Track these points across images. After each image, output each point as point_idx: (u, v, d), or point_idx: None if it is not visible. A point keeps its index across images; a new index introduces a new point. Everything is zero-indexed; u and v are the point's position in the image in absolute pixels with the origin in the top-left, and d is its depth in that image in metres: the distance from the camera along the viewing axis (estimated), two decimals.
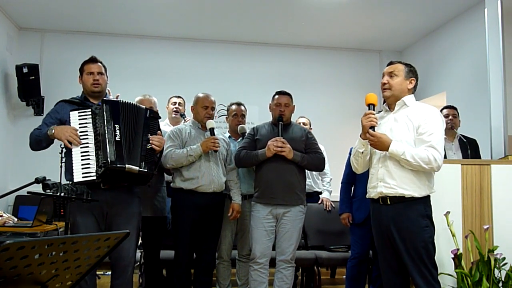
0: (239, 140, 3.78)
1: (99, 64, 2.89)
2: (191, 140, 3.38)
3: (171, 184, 3.47)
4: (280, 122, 3.34)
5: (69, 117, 2.70)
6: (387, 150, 2.48)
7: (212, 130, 3.36)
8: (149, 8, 5.47)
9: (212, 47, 6.48)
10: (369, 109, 2.61)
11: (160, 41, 6.38)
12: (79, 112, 2.71)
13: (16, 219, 4.20)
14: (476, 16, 5.09)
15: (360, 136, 2.63)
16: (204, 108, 3.43)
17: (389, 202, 2.52)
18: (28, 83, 5.63)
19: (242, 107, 3.85)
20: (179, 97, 4.36)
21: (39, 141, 2.74)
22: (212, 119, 3.45)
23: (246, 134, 3.59)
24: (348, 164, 3.80)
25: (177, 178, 3.36)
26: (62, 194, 2.51)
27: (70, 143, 2.63)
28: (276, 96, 3.46)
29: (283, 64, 6.60)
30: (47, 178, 2.51)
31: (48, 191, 2.49)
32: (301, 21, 5.82)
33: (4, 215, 4.04)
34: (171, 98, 4.37)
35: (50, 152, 3.55)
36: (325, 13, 5.54)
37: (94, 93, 2.86)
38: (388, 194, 2.52)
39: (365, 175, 3.61)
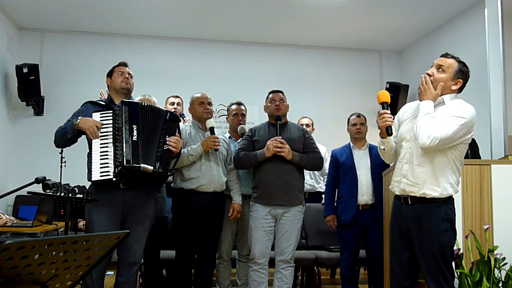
0: (239, 140, 3.78)
1: (128, 68, 3.04)
2: (191, 140, 3.38)
3: (172, 184, 3.47)
4: (278, 122, 3.35)
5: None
6: (428, 99, 2.36)
7: (212, 130, 3.38)
8: (149, 8, 5.47)
9: (211, 47, 6.48)
10: (382, 108, 2.49)
11: (160, 41, 6.38)
12: (101, 114, 2.79)
13: (15, 220, 4.19)
14: (476, 16, 5.09)
15: (380, 135, 2.54)
16: (201, 105, 3.45)
17: (410, 202, 2.45)
18: (28, 83, 5.64)
19: (243, 107, 3.85)
20: (177, 96, 4.35)
21: (65, 133, 2.80)
22: (211, 117, 3.47)
23: (244, 136, 3.59)
24: (331, 167, 3.82)
25: (178, 178, 3.36)
26: (62, 194, 2.52)
27: (91, 134, 2.72)
28: (270, 95, 3.49)
29: (283, 64, 6.60)
30: (47, 178, 2.51)
31: (48, 191, 2.50)
32: (301, 21, 5.82)
33: (3, 216, 4.03)
34: (168, 98, 4.36)
35: (50, 152, 3.57)
36: (325, 13, 5.54)
37: (123, 89, 2.95)
38: (409, 193, 2.44)
39: (349, 176, 3.67)
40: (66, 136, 2.81)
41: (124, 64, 3.04)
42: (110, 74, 3.03)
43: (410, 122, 2.50)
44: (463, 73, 2.46)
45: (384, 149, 2.58)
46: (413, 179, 2.42)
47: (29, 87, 5.67)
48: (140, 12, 5.59)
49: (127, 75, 2.98)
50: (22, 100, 5.77)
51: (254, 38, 6.45)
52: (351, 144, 3.84)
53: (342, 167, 3.76)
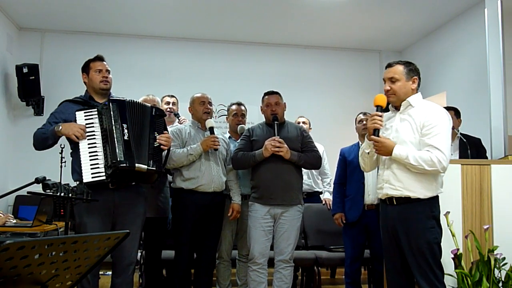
0: (239, 140, 3.78)
1: (105, 62, 2.91)
2: (191, 140, 3.38)
3: (171, 184, 3.47)
4: (275, 122, 3.34)
5: (75, 117, 2.71)
6: (391, 155, 2.46)
7: (211, 129, 3.38)
8: (149, 8, 5.47)
9: (212, 47, 6.48)
10: (376, 110, 2.55)
11: (160, 41, 6.38)
12: (85, 112, 2.71)
13: (14, 220, 4.19)
14: (476, 16, 5.09)
15: (366, 137, 2.60)
16: (201, 104, 3.45)
17: (395, 203, 2.51)
18: (28, 83, 5.63)
19: (242, 107, 3.85)
20: (172, 96, 4.33)
21: (45, 139, 2.73)
22: (211, 117, 3.47)
23: (242, 136, 3.59)
24: (340, 165, 3.84)
25: (177, 178, 3.36)
26: (62, 194, 2.51)
27: (77, 138, 2.64)
28: (265, 97, 3.47)
29: (283, 64, 6.60)
30: (47, 178, 2.51)
31: (48, 191, 2.49)
32: (301, 21, 5.82)
33: (1, 214, 4.03)
34: (164, 97, 4.32)
35: (50, 152, 3.55)
36: (325, 13, 5.54)
37: (103, 90, 2.87)
38: (394, 195, 2.51)
39: (356, 175, 3.69)
40: (47, 142, 2.75)
41: (101, 59, 2.90)
42: (86, 70, 2.88)
43: (386, 130, 2.60)
44: (413, 71, 2.58)
45: (368, 152, 2.63)
46: (396, 183, 2.49)
47: (29, 87, 5.66)
48: (140, 12, 5.58)
49: (105, 73, 2.86)
50: (22, 100, 5.77)
51: (254, 38, 6.44)
52: (360, 143, 3.85)
53: (350, 165, 3.76)
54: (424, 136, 2.44)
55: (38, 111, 5.89)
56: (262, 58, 6.58)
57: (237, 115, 3.81)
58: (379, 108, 2.55)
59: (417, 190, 2.44)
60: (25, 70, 5.57)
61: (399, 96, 2.55)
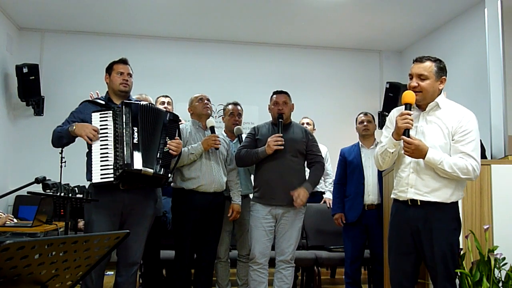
0: (234, 141, 3.78)
1: (129, 66, 2.98)
2: (191, 139, 3.39)
3: (172, 184, 3.47)
4: (280, 120, 3.34)
5: (91, 118, 2.77)
6: (423, 158, 2.34)
7: (212, 129, 3.38)
8: (149, 8, 5.47)
9: (212, 47, 6.48)
10: (405, 108, 2.38)
11: (160, 41, 6.38)
12: (100, 114, 2.77)
13: (14, 219, 4.19)
14: (476, 16, 5.09)
15: (392, 135, 2.42)
16: (199, 101, 3.46)
17: (419, 204, 2.42)
18: (28, 83, 5.64)
19: (239, 107, 3.86)
20: (166, 96, 4.34)
21: (61, 137, 2.81)
22: (211, 113, 3.49)
23: (247, 134, 3.59)
24: (340, 165, 3.84)
25: (178, 178, 3.36)
26: (62, 194, 2.52)
27: (90, 139, 2.69)
28: (274, 96, 3.46)
29: (283, 64, 6.60)
30: (47, 178, 2.51)
31: (48, 191, 2.50)
32: (301, 21, 5.82)
33: (2, 215, 4.03)
34: (158, 97, 4.32)
35: (50, 152, 3.56)
36: (325, 13, 5.54)
37: (121, 92, 2.92)
38: (419, 199, 2.42)
39: (356, 175, 3.69)
40: (62, 141, 2.83)
41: (124, 62, 2.98)
42: (109, 71, 2.96)
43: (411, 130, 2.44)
44: (443, 69, 2.47)
45: (392, 152, 2.46)
46: (424, 188, 2.40)
47: (29, 87, 5.66)
48: (140, 12, 5.58)
49: (126, 76, 2.93)
50: (22, 100, 5.77)
51: (254, 38, 6.44)
52: (360, 143, 3.86)
53: (349, 165, 3.77)
54: (457, 142, 2.35)
55: (38, 111, 5.90)
56: (262, 58, 6.58)
57: (233, 114, 3.82)
58: (409, 106, 2.38)
59: (445, 196, 2.38)
60: (25, 70, 5.57)
61: (426, 95, 2.41)
